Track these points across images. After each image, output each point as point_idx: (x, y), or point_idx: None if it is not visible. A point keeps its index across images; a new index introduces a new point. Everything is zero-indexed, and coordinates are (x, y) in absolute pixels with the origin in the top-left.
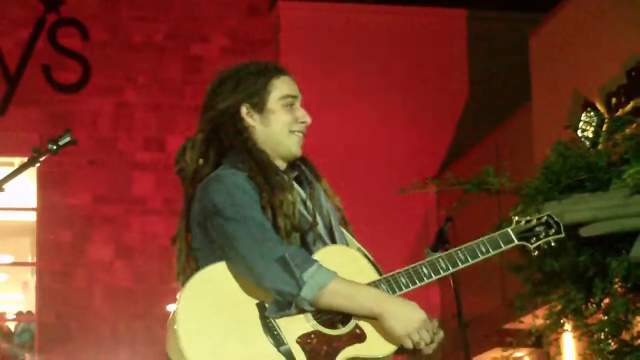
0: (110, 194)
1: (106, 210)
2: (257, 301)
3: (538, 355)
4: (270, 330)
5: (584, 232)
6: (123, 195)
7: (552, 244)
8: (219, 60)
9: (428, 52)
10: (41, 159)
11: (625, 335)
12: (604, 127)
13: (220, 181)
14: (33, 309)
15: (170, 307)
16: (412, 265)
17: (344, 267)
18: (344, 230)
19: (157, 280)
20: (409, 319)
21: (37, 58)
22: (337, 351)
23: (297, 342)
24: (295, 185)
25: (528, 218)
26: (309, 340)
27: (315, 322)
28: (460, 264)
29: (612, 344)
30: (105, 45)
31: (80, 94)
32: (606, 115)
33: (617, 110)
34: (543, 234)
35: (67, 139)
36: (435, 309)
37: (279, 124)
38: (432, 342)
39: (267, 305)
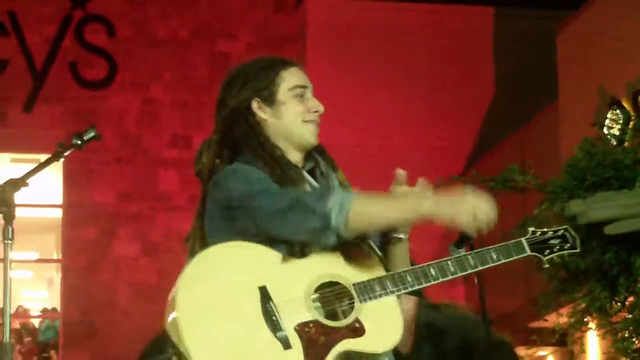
0: (136, 191)
1: (131, 207)
2: (259, 284)
3: (562, 354)
4: (269, 315)
5: (609, 230)
6: (148, 193)
7: (566, 258)
8: (245, 56)
9: (454, 50)
10: (66, 154)
11: None
12: (631, 125)
13: (233, 171)
14: (58, 306)
15: None
16: (420, 265)
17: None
18: None
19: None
20: (454, 199)
21: (63, 55)
22: (334, 343)
23: (295, 329)
24: (309, 178)
25: (544, 229)
26: (307, 329)
27: (316, 312)
28: (468, 269)
29: (637, 342)
30: (132, 42)
31: (106, 90)
32: (632, 113)
33: None
34: (557, 247)
35: (92, 133)
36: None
37: (291, 114)
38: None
39: (269, 289)
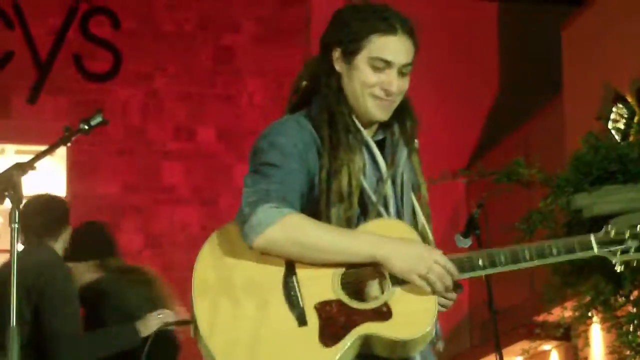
0: (140, 183)
1: (135, 199)
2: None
3: (566, 349)
4: (288, 290)
5: None
6: (152, 185)
7: None
8: (249, 50)
9: (459, 44)
10: (72, 138)
11: None
12: (636, 120)
13: (276, 129)
14: None
15: None
16: (468, 255)
17: None
18: (415, 203)
19: (186, 270)
20: (415, 255)
21: (68, 47)
22: (353, 324)
23: (315, 307)
24: (373, 148)
25: (622, 230)
26: (327, 308)
27: (341, 291)
28: (522, 262)
29: None
30: (136, 34)
31: (110, 83)
32: (637, 109)
33: None
34: (633, 248)
35: (99, 119)
36: (463, 299)
37: (358, 83)
38: (450, 287)
39: (296, 263)
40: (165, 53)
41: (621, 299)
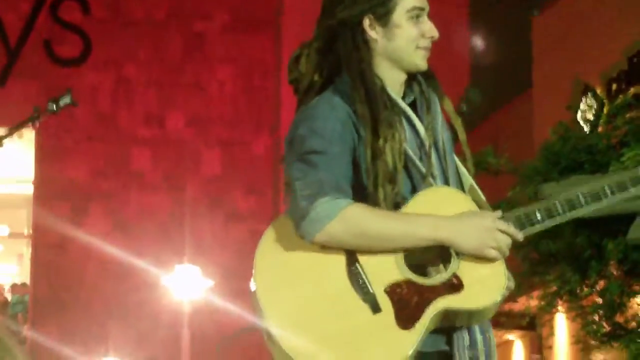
0: (109, 169)
1: (104, 184)
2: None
3: (530, 339)
4: (355, 278)
5: None
6: (121, 170)
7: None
8: (220, 37)
9: None
10: (42, 118)
11: (619, 318)
12: (604, 111)
13: (311, 115)
14: (27, 281)
15: (164, 281)
16: (524, 209)
17: (444, 213)
18: (458, 163)
19: (152, 255)
20: (480, 228)
21: (38, 32)
22: (428, 302)
23: (385, 290)
24: (409, 112)
25: None
26: (398, 290)
27: (407, 270)
28: (579, 208)
29: (606, 326)
30: (107, 21)
31: (80, 68)
32: (606, 100)
33: (618, 96)
34: None
35: (68, 100)
36: None
37: (404, 39)
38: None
39: (356, 252)
40: (136, 40)
41: (587, 289)
